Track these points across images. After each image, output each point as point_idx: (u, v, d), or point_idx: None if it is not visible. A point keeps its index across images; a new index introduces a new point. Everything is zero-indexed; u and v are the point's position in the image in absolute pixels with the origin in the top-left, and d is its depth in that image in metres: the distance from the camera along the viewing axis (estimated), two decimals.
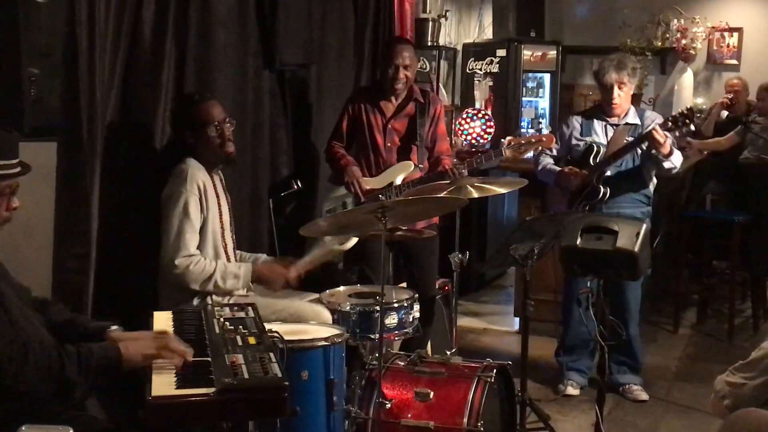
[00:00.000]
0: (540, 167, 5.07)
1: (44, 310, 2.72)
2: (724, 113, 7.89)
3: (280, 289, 3.77)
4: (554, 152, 5.08)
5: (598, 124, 4.99)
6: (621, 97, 4.90)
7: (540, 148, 4.84)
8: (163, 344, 2.54)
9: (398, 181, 4.62)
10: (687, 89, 9.17)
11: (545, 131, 8.63)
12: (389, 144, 4.73)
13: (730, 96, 7.75)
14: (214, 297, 3.70)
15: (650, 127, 4.70)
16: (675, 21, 9.22)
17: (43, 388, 2.33)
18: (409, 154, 4.73)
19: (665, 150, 4.72)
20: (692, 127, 5.14)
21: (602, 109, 5.04)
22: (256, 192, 4.68)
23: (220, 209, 3.80)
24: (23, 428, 2.05)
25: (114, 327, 2.75)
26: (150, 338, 2.60)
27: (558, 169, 4.96)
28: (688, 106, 4.76)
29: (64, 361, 2.35)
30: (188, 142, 3.75)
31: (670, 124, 4.69)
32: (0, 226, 2.54)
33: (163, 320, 3.02)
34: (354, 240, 4.47)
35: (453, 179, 4.31)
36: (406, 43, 4.85)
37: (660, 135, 4.66)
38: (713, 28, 9.23)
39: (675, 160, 4.82)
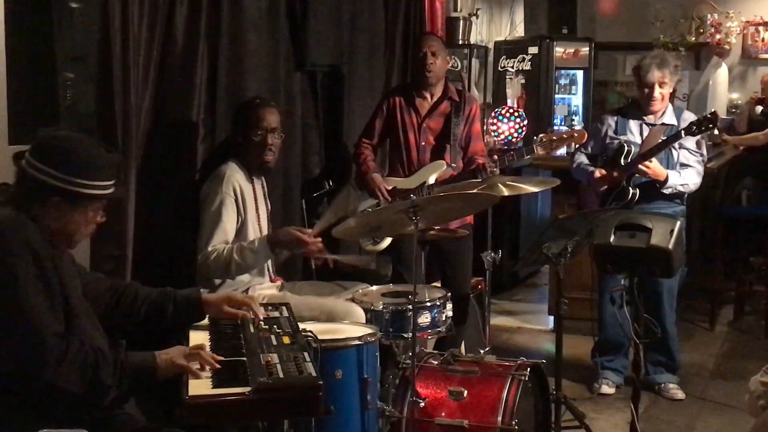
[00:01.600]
0: (575, 165, 5.04)
1: (125, 293, 2.86)
2: (759, 108, 7.82)
3: (300, 252, 3.76)
4: (590, 150, 5.05)
5: (633, 123, 4.92)
6: (661, 95, 4.83)
7: (573, 144, 4.82)
8: (196, 352, 2.59)
9: (431, 180, 4.62)
10: (722, 84, 9.10)
11: (578, 128, 8.60)
12: (423, 143, 4.73)
13: (758, 92, 7.69)
14: (249, 294, 3.73)
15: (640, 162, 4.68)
16: (709, 16, 9.14)
17: (76, 388, 2.38)
18: (442, 154, 4.73)
19: (656, 178, 4.69)
20: (716, 131, 5.10)
21: (639, 106, 4.96)
22: (289, 192, 4.71)
23: (258, 214, 3.84)
24: None
25: (202, 290, 2.96)
26: (183, 348, 2.65)
27: (591, 169, 4.93)
28: (712, 110, 4.71)
29: (99, 365, 2.40)
30: (236, 141, 3.82)
31: (694, 128, 4.62)
32: (84, 238, 2.69)
33: None
34: (387, 241, 4.49)
35: (485, 177, 4.32)
36: (431, 34, 4.90)
37: (645, 167, 4.64)
38: (748, 22, 9.15)
39: (675, 182, 4.76)
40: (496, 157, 4.64)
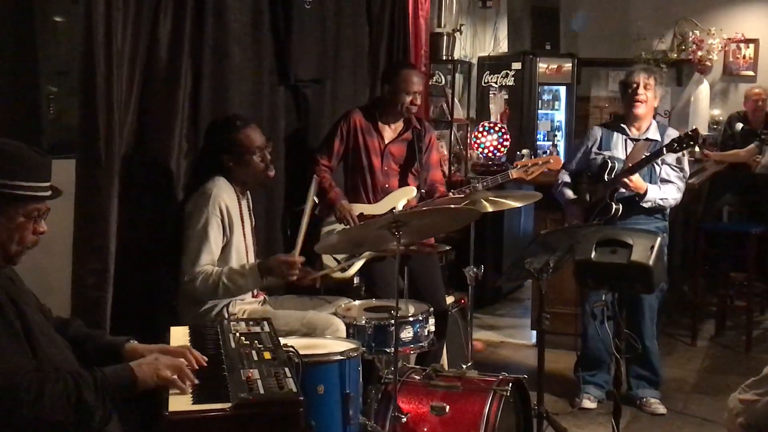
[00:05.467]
0: (556, 186, 5.07)
1: (65, 329, 2.72)
2: (739, 125, 7.88)
3: (293, 278, 3.74)
4: (573, 166, 5.08)
5: (618, 138, 4.96)
6: (645, 96, 4.87)
7: (547, 170, 4.88)
8: (178, 367, 2.53)
9: (400, 206, 4.61)
10: (703, 101, 9.17)
11: (561, 143, 8.66)
12: (386, 168, 4.72)
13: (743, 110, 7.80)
14: (230, 308, 3.73)
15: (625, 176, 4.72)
16: (690, 32, 9.22)
17: (62, 416, 2.30)
18: (404, 179, 4.75)
19: (636, 190, 4.74)
20: (696, 149, 5.14)
21: (624, 120, 5.01)
22: (272, 207, 4.71)
23: (243, 230, 3.83)
24: None
25: (132, 341, 2.77)
26: (164, 359, 2.58)
27: (569, 198, 4.99)
28: (693, 128, 4.76)
29: (81, 388, 2.33)
30: (225, 165, 3.78)
31: (675, 145, 4.65)
32: (26, 250, 2.50)
33: (180, 335, 3.05)
34: (355, 268, 4.48)
35: (467, 193, 4.34)
36: (416, 68, 4.88)
37: (628, 181, 4.69)
38: (729, 39, 9.23)
39: (655, 196, 4.80)
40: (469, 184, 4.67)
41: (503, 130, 7.48)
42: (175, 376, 2.49)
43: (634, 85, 4.87)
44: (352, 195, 4.74)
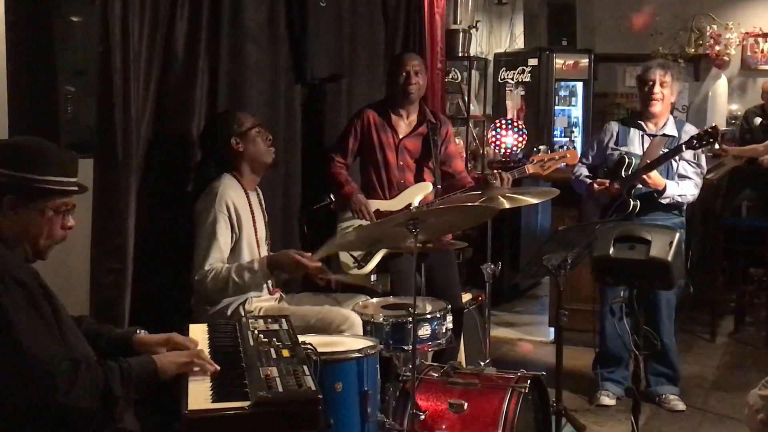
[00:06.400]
0: (574, 177, 5.06)
1: (78, 326, 2.75)
2: (758, 120, 7.83)
3: (300, 276, 3.75)
4: (590, 160, 5.06)
5: (635, 134, 4.93)
6: (662, 94, 4.84)
7: (564, 164, 4.86)
8: (195, 353, 2.63)
9: (416, 202, 4.61)
10: (722, 96, 9.11)
11: (578, 139, 8.63)
12: (401, 163, 4.71)
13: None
14: (246, 306, 3.74)
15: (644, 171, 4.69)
16: (708, 27, 9.17)
17: (91, 405, 2.35)
18: (420, 174, 4.75)
19: (655, 187, 4.72)
20: (716, 146, 5.10)
21: (640, 117, 4.98)
22: (289, 206, 4.72)
23: (255, 228, 3.83)
24: None
25: (140, 331, 2.82)
26: (182, 353, 2.67)
27: (589, 181, 4.94)
28: (713, 125, 4.72)
29: (108, 377, 2.39)
30: (235, 149, 3.81)
31: (695, 142, 4.62)
32: (54, 245, 2.58)
33: (198, 333, 3.05)
34: (372, 265, 4.49)
35: (484, 189, 4.32)
36: (412, 53, 4.89)
37: (646, 178, 4.67)
38: (747, 33, 9.16)
39: (673, 192, 4.77)
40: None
41: (520, 127, 7.44)
42: (194, 361, 2.59)
43: (650, 83, 4.84)
44: (367, 191, 4.74)
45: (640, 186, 4.75)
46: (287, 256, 3.68)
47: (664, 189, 4.72)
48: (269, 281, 3.90)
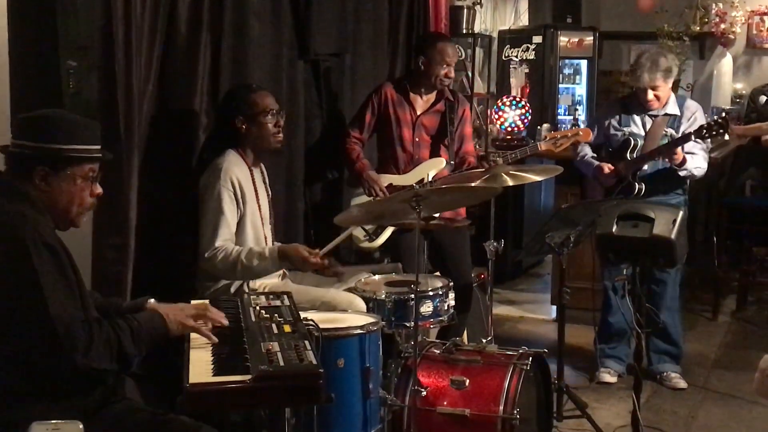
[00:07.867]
0: (578, 157, 5.04)
1: None
2: (763, 98, 7.80)
3: (309, 270, 3.76)
4: (592, 139, 5.05)
5: (636, 114, 4.93)
6: (656, 96, 4.83)
7: (576, 142, 4.85)
8: (203, 311, 2.72)
9: (429, 177, 4.61)
10: (726, 74, 9.05)
11: (582, 118, 8.59)
12: (417, 139, 4.72)
13: None
14: (250, 284, 3.74)
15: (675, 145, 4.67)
16: (713, 5, 9.11)
17: (106, 364, 2.44)
18: (435, 150, 4.75)
19: (676, 162, 4.71)
20: (726, 137, 5.08)
21: (641, 97, 4.98)
22: (292, 182, 4.70)
23: (258, 203, 3.82)
24: (33, 425, 2.14)
25: (150, 299, 2.86)
26: (189, 309, 2.76)
27: (596, 163, 4.93)
28: (723, 115, 4.71)
29: (120, 337, 2.47)
30: (238, 128, 3.79)
31: (704, 132, 4.61)
32: (86, 212, 2.68)
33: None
34: (383, 238, 4.51)
35: (488, 168, 4.32)
36: (450, 41, 4.86)
37: (677, 155, 4.65)
38: (752, 11, 9.10)
39: (691, 165, 4.76)
40: (499, 155, 4.65)
41: (524, 105, 7.42)
42: (200, 323, 2.68)
43: (642, 94, 4.83)
44: (383, 167, 4.79)
45: (646, 167, 4.74)
46: (296, 250, 3.64)
47: (684, 161, 4.72)
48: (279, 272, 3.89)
